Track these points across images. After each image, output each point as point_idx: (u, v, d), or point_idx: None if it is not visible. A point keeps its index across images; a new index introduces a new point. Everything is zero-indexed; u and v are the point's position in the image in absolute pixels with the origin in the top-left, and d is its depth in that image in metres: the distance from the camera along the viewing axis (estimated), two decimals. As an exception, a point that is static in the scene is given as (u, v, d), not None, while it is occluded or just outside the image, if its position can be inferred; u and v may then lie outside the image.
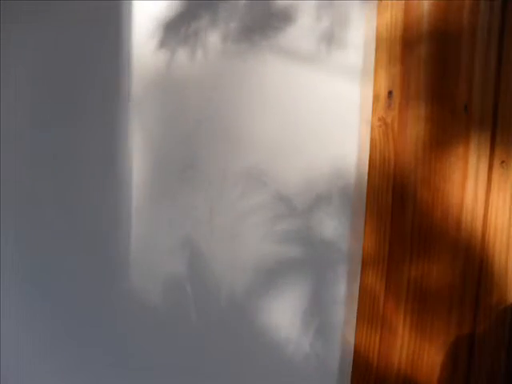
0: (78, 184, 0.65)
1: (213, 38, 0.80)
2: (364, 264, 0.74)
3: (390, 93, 0.72)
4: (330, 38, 0.84)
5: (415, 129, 0.71)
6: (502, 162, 0.66)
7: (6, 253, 0.59)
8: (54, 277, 0.66)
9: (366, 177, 0.75)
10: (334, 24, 0.86)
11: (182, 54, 0.79)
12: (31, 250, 0.64)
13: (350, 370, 0.75)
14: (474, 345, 0.70)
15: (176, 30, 0.78)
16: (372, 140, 0.74)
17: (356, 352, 0.74)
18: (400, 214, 0.72)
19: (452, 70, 0.68)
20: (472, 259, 0.69)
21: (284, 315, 0.79)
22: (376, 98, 0.73)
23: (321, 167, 0.82)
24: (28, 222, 0.63)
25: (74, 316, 0.69)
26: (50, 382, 0.65)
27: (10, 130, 0.59)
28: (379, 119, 0.73)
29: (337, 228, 0.82)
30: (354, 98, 0.80)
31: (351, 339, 0.77)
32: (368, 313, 0.74)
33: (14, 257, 0.60)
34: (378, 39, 0.73)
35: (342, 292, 0.80)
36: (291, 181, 0.82)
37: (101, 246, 0.70)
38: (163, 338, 0.74)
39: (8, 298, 0.61)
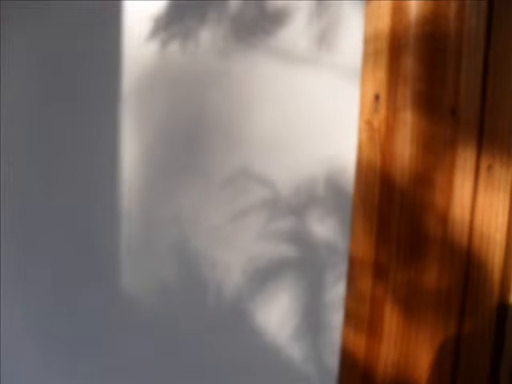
0: (74, 184, 0.67)
1: (209, 39, 0.81)
2: (352, 266, 0.75)
3: (376, 96, 0.72)
4: (326, 39, 0.84)
5: (402, 132, 0.72)
6: (489, 166, 0.65)
7: (5, 254, 0.61)
8: (50, 278, 0.67)
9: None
10: (330, 24, 0.86)
11: (178, 55, 0.79)
12: (28, 250, 0.66)
13: (339, 371, 0.75)
14: (460, 348, 0.70)
15: (172, 29, 0.79)
16: (359, 143, 0.74)
17: (343, 354, 0.75)
18: (387, 218, 0.73)
19: (439, 74, 0.68)
20: (459, 263, 0.69)
21: (282, 316, 0.80)
22: (364, 100, 0.74)
23: (318, 167, 0.82)
24: (26, 223, 0.65)
25: (72, 319, 0.71)
26: None
27: (9, 130, 0.60)
28: (366, 122, 0.73)
29: (334, 228, 0.83)
30: (351, 98, 0.80)
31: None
32: (356, 315, 0.75)
33: (13, 258, 0.62)
34: (366, 42, 0.73)
35: (340, 293, 0.81)
36: (288, 181, 0.82)
37: (95, 247, 0.71)
38: (160, 341, 0.75)
39: (8, 299, 0.63)
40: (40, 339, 0.65)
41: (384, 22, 0.71)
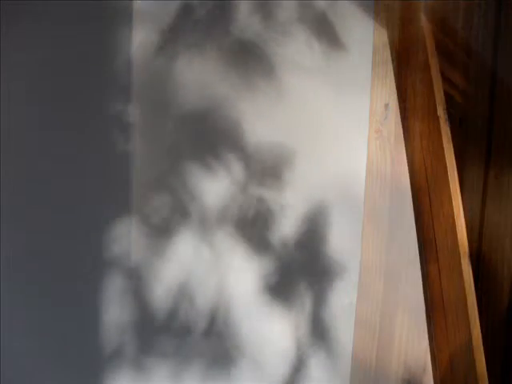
0: (77, 194, 0.66)
1: (216, 48, 0.81)
2: (363, 272, 0.76)
3: (386, 105, 0.74)
4: (336, 50, 0.84)
5: (412, 141, 0.73)
6: (496, 175, 0.67)
7: (5, 263, 0.60)
8: (52, 279, 0.67)
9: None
10: (340, 35, 0.87)
11: (181, 62, 0.79)
12: (32, 251, 0.65)
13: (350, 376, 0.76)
14: (473, 353, 0.71)
15: (177, 37, 0.79)
16: (369, 152, 0.75)
17: (355, 359, 0.76)
18: (398, 225, 0.74)
19: (448, 85, 0.70)
20: (469, 268, 0.71)
21: (295, 322, 0.80)
22: (373, 110, 0.75)
23: (330, 175, 0.82)
24: (30, 225, 0.64)
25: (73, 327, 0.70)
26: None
27: (9, 134, 0.60)
28: (376, 131, 0.75)
29: (346, 235, 0.83)
30: (361, 108, 0.80)
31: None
32: (366, 320, 0.76)
33: (16, 257, 0.61)
34: (376, 53, 0.75)
35: (353, 300, 0.81)
36: (300, 188, 0.83)
37: (98, 276, 0.70)
38: (174, 342, 0.74)
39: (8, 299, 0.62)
40: (41, 340, 0.65)
41: (393, 34, 0.72)
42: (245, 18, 0.82)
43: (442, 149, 0.71)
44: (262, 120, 0.81)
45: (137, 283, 0.67)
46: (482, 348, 0.73)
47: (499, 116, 0.67)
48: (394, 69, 0.73)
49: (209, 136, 0.79)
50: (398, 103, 0.73)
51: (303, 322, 0.80)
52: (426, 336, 0.82)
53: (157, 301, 0.69)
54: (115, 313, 0.63)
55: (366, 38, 0.85)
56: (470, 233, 0.70)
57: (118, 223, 0.68)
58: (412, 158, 0.72)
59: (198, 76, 0.78)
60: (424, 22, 0.73)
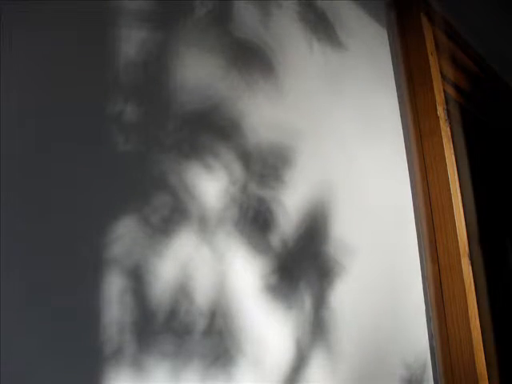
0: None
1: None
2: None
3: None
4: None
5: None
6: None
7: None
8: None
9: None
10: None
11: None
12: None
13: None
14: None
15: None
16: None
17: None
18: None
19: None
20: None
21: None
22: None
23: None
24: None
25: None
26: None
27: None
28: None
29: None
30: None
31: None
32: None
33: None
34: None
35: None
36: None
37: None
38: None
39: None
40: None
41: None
42: (245, 18, 0.82)
43: (442, 149, 0.71)
44: (262, 120, 0.82)
45: (137, 283, 0.67)
46: (482, 348, 0.73)
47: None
48: (393, 68, 0.74)
49: (209, 136, 0.79)
50: (397, 103, 0.73)
51: (303, 322, 0.80)
52: (426, 336, 0.83)
53: (157, 300, 0.69)
54: (115, 313, 0.63)
55: (365, 38, 0.85)
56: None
57: (118, 223, 0.68)
58: (412, 158, 0.72)
59: (198, 76, 0.78)
60: (424, 22, 0.73)
